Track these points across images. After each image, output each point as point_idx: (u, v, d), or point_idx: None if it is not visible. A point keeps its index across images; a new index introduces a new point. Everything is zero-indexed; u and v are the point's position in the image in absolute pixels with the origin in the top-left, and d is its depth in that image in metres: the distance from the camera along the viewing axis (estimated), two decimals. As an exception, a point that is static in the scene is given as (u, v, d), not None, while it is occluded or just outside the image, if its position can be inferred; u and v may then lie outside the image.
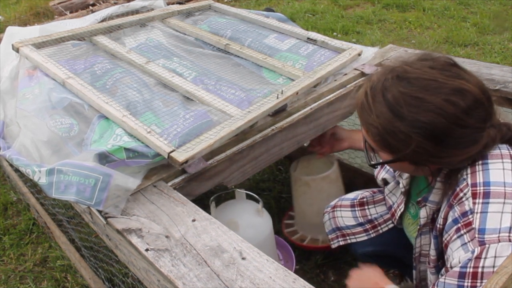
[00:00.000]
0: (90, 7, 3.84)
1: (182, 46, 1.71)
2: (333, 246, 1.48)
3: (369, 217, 1.41)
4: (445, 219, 0.93)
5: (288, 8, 4.74)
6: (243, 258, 0.90)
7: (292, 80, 1.50)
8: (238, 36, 1.75)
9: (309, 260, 1.81)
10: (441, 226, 0.95)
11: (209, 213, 1.06)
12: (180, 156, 1.12)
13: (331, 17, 4.36)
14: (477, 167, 0.89)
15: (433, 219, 1.04)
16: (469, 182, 0.88)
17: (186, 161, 1.13)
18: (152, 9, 2.01)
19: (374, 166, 1.03)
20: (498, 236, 0.80)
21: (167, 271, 0.89)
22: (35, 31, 1.76)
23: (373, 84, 0.93)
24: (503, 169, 0.87)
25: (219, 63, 1.62)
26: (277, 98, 1.37)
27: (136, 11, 2.01)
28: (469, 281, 0.81)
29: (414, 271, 1.20)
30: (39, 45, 1.57)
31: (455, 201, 0.90)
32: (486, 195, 0.84)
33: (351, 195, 1.50)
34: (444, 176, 0.96)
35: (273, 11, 2.11)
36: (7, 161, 1.36)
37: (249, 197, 1.53)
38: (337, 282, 1.71)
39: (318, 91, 1.53)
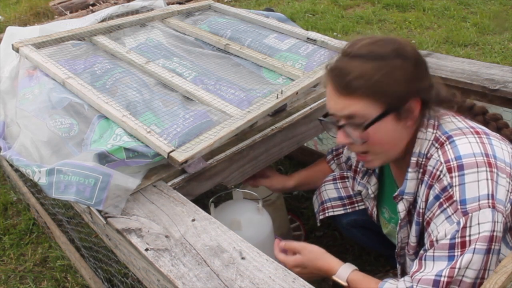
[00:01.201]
0: (90, 7, 3.85)
1: (182, 46, 1.71)
2: (318, 224, 1.52)
3: (350, 193, 1.45)
4: (426, 201, 0.99)
5: (288, 8, 4.73)
6: (243, 258, 0.90)
7: (292, 80, 1.50)
8: (238, 36, 1.75)
9: (309, 260, 1.81)
10: (422, 210, 1.01)
11: (209, 213, 1.06)
12: (180, 156, 1.12)
13: (331, 17, 4.36)
14: (445, 147, 0.96)
15: (409, 211, 1.09)
16: (442, 160, 0.95)
17: (186, 161, 1.13)
18: (152, 9, 2.01)
19: (367, 127, 1.03)
20: (479, 204, 0.87)
21: (167, 270, 0.89)
22: (35, 31, 1.76)
23: (331, 65, 1.01)
24: (469, 142, 0.95)
25: (219, 63, 1.62)
26: (277, 98, 1.37)
27: (136, 11, 2.01)
28: (459, 250, 0.88)
29: (398, 266, 1.24)
30: (39, 45, 1.57)
31: (433, 181, 0.96)
32: (460, 167, 0.91)
33: (335, 172, 1.55)
34: (415, 165, 1.02)
35: (273, 11, 2.11)
36: (7, 161, 1.36)
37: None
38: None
39: (317, 91, 1.53)
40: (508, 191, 0.90)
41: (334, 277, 1.04)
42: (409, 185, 1.04)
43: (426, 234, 0.98)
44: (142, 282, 1.09)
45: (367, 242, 1.58)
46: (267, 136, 1.36)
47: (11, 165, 1.77)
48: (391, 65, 0.96)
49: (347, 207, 1.45)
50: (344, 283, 1.03)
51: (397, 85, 0.96)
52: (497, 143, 0.96)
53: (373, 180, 1.27)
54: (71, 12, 3.90)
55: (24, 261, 1.91)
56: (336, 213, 1.46)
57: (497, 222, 0.87)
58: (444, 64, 1.62)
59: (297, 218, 1.96)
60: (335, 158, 1.54)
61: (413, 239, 1.07)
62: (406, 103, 0.98)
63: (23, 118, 1.31)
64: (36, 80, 1.44)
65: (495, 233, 0.87)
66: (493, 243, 0.87)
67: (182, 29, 1.81)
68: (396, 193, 1.08)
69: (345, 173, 1.48)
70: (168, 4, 2.11)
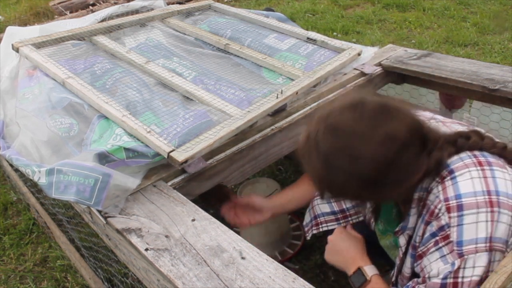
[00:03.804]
0: (90, 7, 3.85)
1: (182, 46, 1.71)
2: (308, 237, 1.49)
3: (343, 206, 1.43)
4: (422, 235, 0.97)
5: (288, 8, 4.73)
6: (243, 258, 0.90)
7: (292, 80, 1.50)
8: (238, 36, 1.75)
9: (309, 260, 1.81)
10: (417, 244, 0.99)
11: (209, 213, 1.06)
12: (180, 156, 1.12)
13: (331, 17, 4.36)
14: (446, 183, 0.92)
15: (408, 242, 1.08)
16: (442, 198, 0.91)
17: (186, 161, 1.13)
18: (152, 9, 2.01)
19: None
20: (476, 247, 0.86)
21: (167, 270, 0.89)
22: (35, 31, 1.76)
23: (309, 134, 0.95)
24: (471, 178, 0.91)
25: (219, 63, 1.62)
26: (277, 98, 1.37)
27: (136, 11, 2.01)
28: None
29: None
30: (39, 45, 1.57)
31: (432, 218, 0.94)
32: (460, 207, 0.88)
33: None
34: (417, 200, 0.99)
35: (273, 11, 2.11)
36: (7, 161, 1.36)
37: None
38: (337, 282, 1.71)
39: (317, 91, 1.53)
40: (510, 225, 0.88)
41: (363, 267, 1.08)
42: (411, 220, 1.02)
43: (418, 267, 0.97)
44: (142, 282, 1.09)
45: None
46: (267, 136, 1.36)
47: (11, 165, 1.77)
48: (341, 183, 0.91)
49: (341, 221, 1.43)
50: (368, 277, 1.06)
51: (346, 195, 0.98)
52: (500, 174, 0.92)
53: None
54: (71, 12, 3.90)
55: (24, 261, 1.91)
56: (330, 227, 1.43)
57: (494, 261, 0.86)
58: (444, 64, 1.62)
59: (297, 218, 1.96)
60: None
61: (407, 270, 1.06)
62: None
63: (23, 118, 1.31)
64: (36, 80, 1.44)
65: (490, 274, 0.85)
66: None
67: (182, 29, 1.81)
68: (398, 229, 1.07)
69: None
70: (168, 4, 2.11)
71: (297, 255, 1.84)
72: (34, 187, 2.07)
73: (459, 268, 0.86)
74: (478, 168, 0.92)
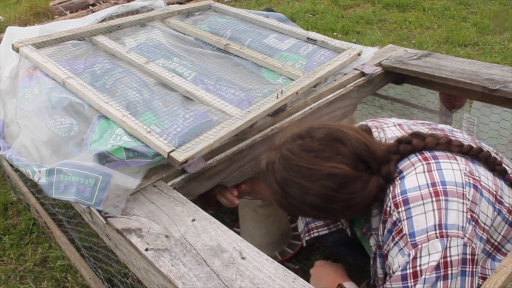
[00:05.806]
0: (90, 7, 3.85)
1: (182, 46, 1.71)
2: (304, 244, 1.52)
3: None
4: (383, 235, 1.00)
5: (288, 8, 4.73)
6: (243, 258, 0.90)
7: (292, 80, 1.50)
8: (238, 36, 1.75)
9: (309, 260, 1.81)
10: (381, 244, 1.02)
11: (209, 213, 1.06)
12: (180, 156, 1.13)
13: (331, 17, 4.36)
14: (396, 182, 0.98)
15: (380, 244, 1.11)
16: (390, 196, 0.97)
17: (186, 161, 1.13)
18: (152, 9, 2.01)
19: None
20: (427, 236, 0.89)
21: (167, 270, 0.89)
22: (35, 31, 1.76)
23: (268, 162, 1.03)
24: (416, 173, 0.96)
25: (219, 63, 1.62)
26: (277, 98, 1.37)
27: (136, 11, 2.01)
28: (412, 280, 0.90)
29: None
30: (39, 45, 1.57)
31: (386, 216, 0.98)
32: (406, 202, 0.93)
33: None
34: (378, 203, 1.03)
35: (273, 11, 2.11)
36: (7, 161, 1.36)
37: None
38: (337, 282, 1.71)
39: (318, 91, 1.53)
40: (463, 211, 0.91)
41: (342, 284, 1.13)
42: (374, 220, 1.05)
43: (386, 267, 1.00)
44: (142, 282, 1.09)
45: (356, 256, 1.59)
46: (267, 136, 1.36)
47: (11, 165, 1.78)
48: (297, 205, 1.00)
49: (331, 225, 1.43)
50: None
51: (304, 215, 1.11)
52: (446, 165, 0.96)
53: None
54: (71, 12, 3.90)
55: (24, 261, 1.91)
56: (321, 233, 1.45)
57: (451, 247, 0.88)
58: (444, 64, 1.62)
59: (297, 218, 1.97)
60: None
61: (379, 271, 1.08)
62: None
63: (23, 118, 1.31)
64: (36, 80, 1.44)
65: (448, 259, 0.88)
66: (449, 269, 0.88)
67: (182, 29, 1.81)
68: (364, 230, 1.11)
69: None
70: (168, 4, 2.11)
71: (297, 255, 1.84)
72: (34, 187, 2.07)
73: (415, 257, 0.89)
74: (424, 163, 0.97)
